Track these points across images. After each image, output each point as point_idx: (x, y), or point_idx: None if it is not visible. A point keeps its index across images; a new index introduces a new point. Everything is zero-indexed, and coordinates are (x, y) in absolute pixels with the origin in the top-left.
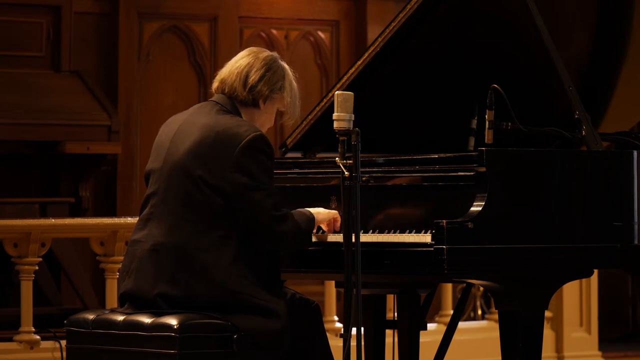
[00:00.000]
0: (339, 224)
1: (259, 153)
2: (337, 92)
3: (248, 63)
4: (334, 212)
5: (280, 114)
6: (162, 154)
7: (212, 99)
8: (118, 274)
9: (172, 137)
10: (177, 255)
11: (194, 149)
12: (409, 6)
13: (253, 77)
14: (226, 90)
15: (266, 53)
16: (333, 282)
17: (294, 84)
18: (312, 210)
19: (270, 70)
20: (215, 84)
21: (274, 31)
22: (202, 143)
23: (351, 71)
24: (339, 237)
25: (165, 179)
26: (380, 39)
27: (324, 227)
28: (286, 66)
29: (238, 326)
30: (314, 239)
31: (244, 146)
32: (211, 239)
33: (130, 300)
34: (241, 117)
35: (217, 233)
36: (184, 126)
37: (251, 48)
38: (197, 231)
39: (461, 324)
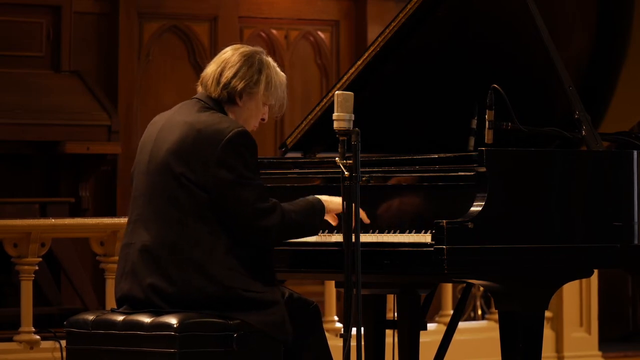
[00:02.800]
0: (361, 216)
1: (241, 148)
2: (337, 92)
3: (224, 59)
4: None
5: (270, 108)
6: (146, 154)
7: (195, 96)
8: None
9: (155, 137)
10: (168, 253)
11: (175, 148)
12: (409, 6)
13: (226, 75)
14: (204, 88)
15: (245, 48)
16: (333, 282)
17: (275, 76)
18: (324, 197)
19: (245, 65)
20: (198, 86)
21: (274, 31)
22: (183, 141)
23: (351, 71)
24: (338, 237)
25: (150, 179)
26: (380, 39)
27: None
28: (268, 60)
29: (238, 322)
30: (315, 239)
31: (226, 142)
32: (200, 234)
33: (128, 303)
34: (225, 113)
35: (205, 228)
36: (166, 125)
37: (235, 45)
38: (185, 228)
39: (461, 324)
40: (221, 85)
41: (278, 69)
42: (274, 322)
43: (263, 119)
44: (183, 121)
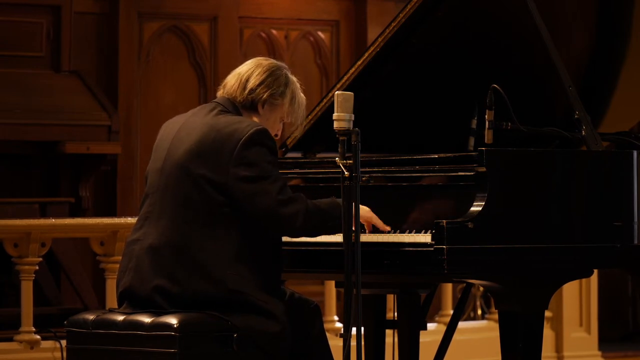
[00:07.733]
0: (373, 223)
1: (260, 146)
2: (337, 92)
3: (250, 68)
4: (369, 212)
5: (286, 126)
6: (163, 154)
7: (215, 100)
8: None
9: (173, 137)
10: (175, 253)
11: (195, 148)
12: (409, 6)
13: (253, 81)
14: (227, 93)
15: (270, 61)
16: (333, 282)
17: (299, 94)
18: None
19: (272, 76)
20: (219, 91)
21: (274, 31)
22: (203, 141)
23: (351, 71)
24: (338, 237)
25: (165, 178)
26: (380, 39)
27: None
28: (292, 77)
29: (237, 325)
30: (315, 239)
31: (245, 140)
32: (209, 237)
33: (128, 298)
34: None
35: (215, 232)
36: (184, 126)
37: (258, 57)
38: (195, 230)
39: (461, 324)
40: (247, 90)
41: (300, 90)
42: (271, 333)
43: (276, 135)
44: (202, 122)
